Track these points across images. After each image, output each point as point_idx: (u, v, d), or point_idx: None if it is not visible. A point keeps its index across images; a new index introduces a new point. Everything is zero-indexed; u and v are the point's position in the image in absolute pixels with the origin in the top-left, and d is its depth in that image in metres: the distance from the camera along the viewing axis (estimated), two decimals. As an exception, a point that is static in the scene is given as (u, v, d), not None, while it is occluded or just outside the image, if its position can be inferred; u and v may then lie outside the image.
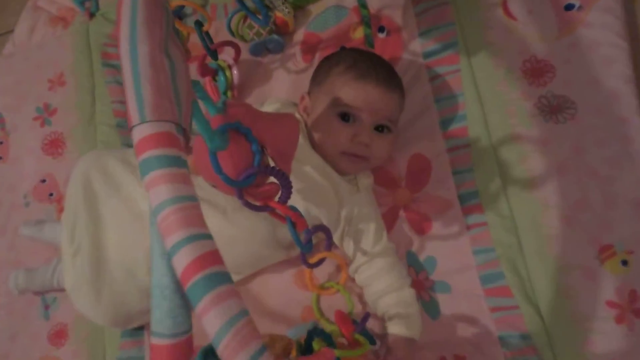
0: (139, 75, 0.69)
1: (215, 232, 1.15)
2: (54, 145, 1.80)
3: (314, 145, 1.31)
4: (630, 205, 1.23)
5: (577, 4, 1.40)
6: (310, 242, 1.01)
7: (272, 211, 0.91)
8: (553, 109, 1.34)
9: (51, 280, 1.50)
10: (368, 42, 1.49)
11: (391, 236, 1.34)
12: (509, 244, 1.28)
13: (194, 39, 1.55)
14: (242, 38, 1.65)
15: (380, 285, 1.25)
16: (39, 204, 1.73)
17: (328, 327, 1.20)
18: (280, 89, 1.63)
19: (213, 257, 0.62)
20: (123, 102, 1.67)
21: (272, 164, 0.90)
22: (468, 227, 1.34)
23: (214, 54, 1.56)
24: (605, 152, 1.28)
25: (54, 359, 1.52)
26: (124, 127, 1.71)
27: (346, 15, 1.64)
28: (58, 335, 1.54)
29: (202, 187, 1.23)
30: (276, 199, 0.90)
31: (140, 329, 1.43)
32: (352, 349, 1.06)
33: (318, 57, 1.61)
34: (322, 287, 1.31)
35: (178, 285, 0.67)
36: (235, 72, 1.59)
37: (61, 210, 1.63)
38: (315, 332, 1.02)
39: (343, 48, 1.52)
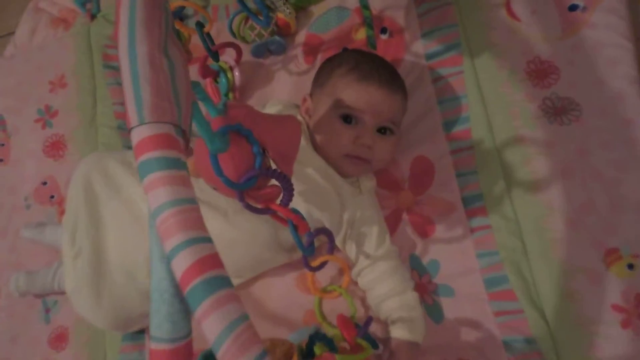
0: (138, 76, 0.68)
1: (216, 234, 1.14)
2: (55, 147, 1.80)
3: (316, 148, 1.30)
4: (636, 208, 1.22)
5: (581, 5, 1.39)
6: (312, 245, 0.99)
7: (274, 214, 0.91)
8: (557, 111, 1.33)
9: (52, 283, 1.50)
10: (370, 43, 1.48)
11: (394, 239, 1.34)
12: (513, 247, 1.27)
13: (196, 41, 1.54)
14: (244, 39, 1.65)
15: (383, 289, 1.24)
16: (40, 207, 1.72)
17: (330, 331, 1.20)
18: (282, 91, 1.62)
19: (213, 260, 0.61)
20: (124, 104, 1.67)
21: (273, 166, 0.89)
22: (472, 230, 1.33)
23: (215, 56, 1.55)
24: (610, 154, 1.26)
25: (54, 363, 1.52)
26: (125, 129, 1.70)
27: (348, 17, 1.63)
28: (58, 339, 1.53)
29: (203, 189, 1.23)
30: (278, 201, 0.89)
31: (141, 332, 1.43)
32: (354, 353, 1.06)
33: (320, 59, 1.60)
34: (325, 291, 1.31)
35: (177, 289, 0.66)
36: (236, 73, 1.59)
37: (62, 212, 1.62)
38: (316, 337, 1.01)
39: (345, 49, 1.51)
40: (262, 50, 1.65)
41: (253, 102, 1.63)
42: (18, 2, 2.21)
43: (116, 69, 1.82)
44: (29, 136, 1.86)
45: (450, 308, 1.29)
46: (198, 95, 0.78)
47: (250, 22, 1.60)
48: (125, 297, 1.26)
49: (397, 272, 1.26)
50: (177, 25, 1.51)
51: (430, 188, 1.39)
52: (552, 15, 1.42)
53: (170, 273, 0.64)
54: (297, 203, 1.12)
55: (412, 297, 1.24)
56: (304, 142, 1.27)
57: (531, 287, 1.24)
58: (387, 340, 1.24)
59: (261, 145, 0.83)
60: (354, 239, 1.28)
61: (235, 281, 1.34)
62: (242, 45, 1.62)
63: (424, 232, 1.36)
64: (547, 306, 1.21)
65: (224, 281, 0.60)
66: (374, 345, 1.14)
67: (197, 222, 0.63)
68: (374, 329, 1.29)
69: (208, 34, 1.52)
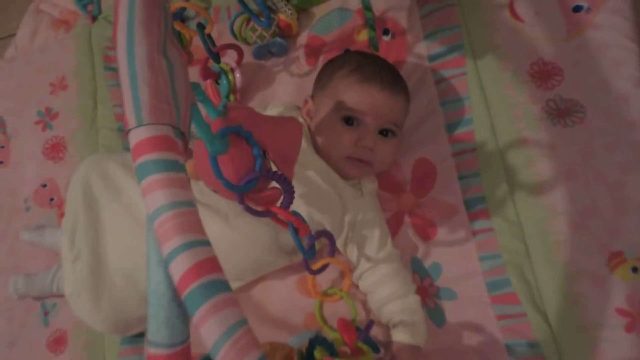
0: (136, 77, 0.67)
1: (216, 237, 1.13)
2: (55, 150, 1.79)
3: (318, 150, 1.29)
4: (641, 211, 1.21)
5: (586, 6, 1.38)
6: (313, 248, 0.99)
7: (274, 216, 0.90)
8: (561, 113, 1.32)
9: (51, 286, 1.49)
10: (372, 45, 1.47)
11: (396, 242, 1.32)
12: (516, 250, 1.26)
13: (197, 42, 1.54)
14: (245, 41, 1.65)
15: (385, 292, 1.23)
16: (39, 209, 1.72)
17: (331, 335, 1.19)
18: (284, 93, 1.61)
19: (211, 264, 0.60)
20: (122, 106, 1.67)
21: (274, 168, 0.88)
22: (474, 233, 1.31)
23: (216, 57, 1.54)
24: (614, 156, 1.25)
25: (53, 366, 1.51)
26: (125, 131, 1.69)
27: (350, 18, 1.62)
28: (57, 342, 1.52)
29: (203, 191, 1.24)
30: (278, 204, 0.88)
31: (140, 336, 1.41)
32: (355, 357, 1.05)
33: (322, 60, 1.59)
34: (325, 294, 1.31)
35: (175, 293, 0.65)
36: (237, 75, 1.58)
37: (62, 215, 1.62)
38: (317, 341, 1.01)
39: (347, 51, 1.50)
40: (263, 52, 1.65)
41: (254, 104, 1.62)
42: (19, 4, 2.22)
43: (117, 71, 1.81)
44: (29, 138, 1.86)
45: (452, 311, 1.28)
46: (198, 97, 0.77)
47: (251, 23, 1.60)
48: (124, 300, 1.25)
49: (398, 275, 1.25)
50: (178, 27, 1.51)
51: (432, 190, 1.38)
52: (556, 17, 1.41)
53: (168, 277, 0.64)
54: (297, 206, 1.12)
55: (413, 300, 1.23)
56: (305, 144, 1.26)
57: (534, 291, 1.22)
58: (388, 344, 1.23)
59: (261, 147, 0.83)
60: (355, 242, 1.28)
61: (236, 284, 1.34)
62: (244, 47, 1.62)
63: (425, 234, 1.35)
64: (550, 310, 1.20)
65: (222, 285, 0.59)
66: (375, 349, 1.13)
67: (195, 225, 0.62)
68: (375, 332, 1.27)
69: (209, 36, 1.51)
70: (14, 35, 2.12)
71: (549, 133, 1.32)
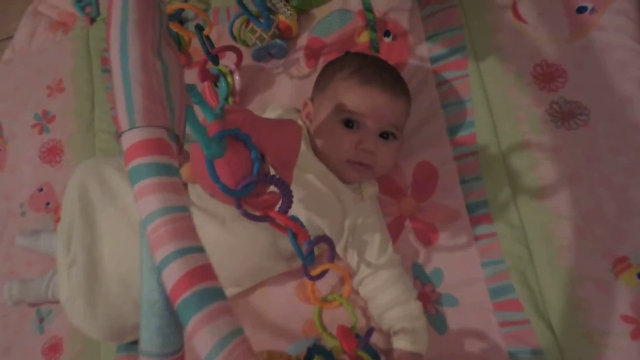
0: (129, 79, 0.66)
1: (213, 242, 1.12)
2: (51, 153, 1.79)
3: (317, 153, 1.28)
4: (647, 216, 1.19)
5: (590, 6, 1.37)
6: (312, 254, 0.97)
7: (273, 221, 0.89)
8: (565, 115, 1.31)
9: (46, 292, 1.48)
10: (373, 46, 1.46)
11: (396, 247, 1.31)
12: (519, 256, 1.24)
13: (196, 44, 1.53)
14: (245, 43, 1.64)
15: (386, 298, 1.22)
16: (35, 214, 1.71)
17: (331, 342, 1.18)
18: (283, 95, 1.60)
19: (205, 271, 0.58)
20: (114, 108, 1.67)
21: (272, 172, 0.86)
22: (476, 238, 1.30)
23: (215, 59, 1.53)
24: (619, 159, 1.24)
25: (47, 374, 1.50)
26: (123, 134, 1.69)
27: (351, 19, 1.61)
28: (52, 349, 1.51)
29: (200, 195, 1.22)
30: (276, 208, 0.87)
31: (136, 343, 1.39)
32: (355, 365, 1.04)
33: (322, 62, 1.58)
34: (325, 300, 1.29)
35: (168, 302, 0.63)
36: (236, 77, 1.57)
37: (58, 219, 1.60)
38: (315, 349, 1.00)
39: (347, 53, 1.49)
40: (263, 54, 1.64)
41: (253, 106, 1.61)
42: (17, 6, 2.22)
43: (114, 72, 1.81)
44: (25, 142, 1.85)
45: (454, 318, 1.26)
46: (194, 99, 0.76)
47: (251, 25, 1.59)
48: (120, 306, 1.23)
49: (399, 281, 1.23)
50: (177, 29, 1.50)
51: (434, 194, 1.36)
52: (559, 17, 1.40)
53: (161, 284, 0.62)
54: (297, 210, 1.10)
55: (415, 306, 1.21)
56: (304, 147, 1.25)
57: (537, 297, 1.21)
58: (389, 351, 1.21)
59: (260, 150, 0.82)
60: (356, 247, 1.26)
61: (234, 290, 1.32)
62: (243, 49, 1.61)
63: (427, 239, 1.33)
64: (554, 316, 1.19)
65: (216, 293, 0.58)
66: (375, 357, 1.13)
67: (189, 231, 0.60)
68: (376, 339, 1.26)
69: (208, 37, 1.50)
70: (11, 37, 2.12)
71: (553, 136, 1.30)
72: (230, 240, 1.19)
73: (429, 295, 1.29)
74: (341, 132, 1.23)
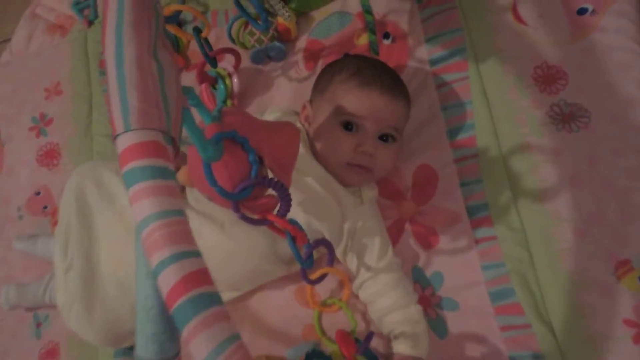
0: (125, 80, 0.65)
1: (212, 246, 1.11)
2: (49, 156, 1.78)
3: (316, 156, 1.27)
4: (649, 219, 1.18)
5: (591, 8, 1.37)
6: (311, 257, 0.98)
7: (271, 225, 0.88)
8: (566, 118, 1.30)
9: (43, 296, 1.48)
10: (373, 48, 1.45)
11: (396, 250, 1.30)
12: (520, 259, 1.24)
13: (194, 47, 1.53)
14: (243, 45, 1.63)
15: (386, 302, 1.21)
16: (32, 217, 1.71)
17: (330, 347, 1.18)
18: (282, 98, 1.59)
19: (201, 276, 0.57)
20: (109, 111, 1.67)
21: (271, 175, 0.86)
22: (477, 241, 1.29)
23: (213, 62, 1.52)
24: (621, 162, 1.23)
25: (44, 379, 1.49)
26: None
27: (350, 22, 1.60)
28: (49, 355, 1.50)
29: (198, 199, 1.22)
30: (275, 212, 0.86)
31: (134, 348, 1.39)
32: (354, 371, 1.03)
33: (321, 65, 1.57)
34: (324, 304, 1.28)
35: (164, 307, 0.62)
36: (235, 80, 1.56)
37: (55, 223, 1.60)
38: (313, 354, 0.99)
39: (346, 55, 1.48)
40: (261, 57, 1.63)
41: (252, 109, 1.60)
42: (15, 9, 2.22)
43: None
44: (23, 145, 1.85)
45: (455, 322, 1.25)
46: (191, 101, 0.75)
47: (249, 27, 1.58)
48: (117, 310, 1.23)
49: (400, 285, 1.22)
50: (175, 31, 1.49)
51: (434, 197, 1.35)
52: (560, 19, 1.39)
53: (157, 290, 0.61)
54: (295, 213, 1.10)
55: (415, 310, 1.21)
56: (303, 150, 1.25)
57: (539, 301, 1.20)
58: (389, 355, 1.21)
59: (258, 153, 0.81)
60: (355, 251, 1.25)
61: (232, 294, 1.32)
62: (241, 52, 1.61)
63: (427, 243, 1.33)
64: (555, 320, 1.18)
65: (212, 299, 0.57)
66: (375, 361, 1.11)
67: (185, 236, 0.59)
68: (376, 344, 1.25)
69: (206, 40, 1.50)
70: (9, 40, 2.12)
71: (554, 138, 1.30)
72: (229, 244, 1.18)
73: (429, 299, 1.28)
74: (340, 135, 1.22)
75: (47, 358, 1.50)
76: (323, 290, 1.32)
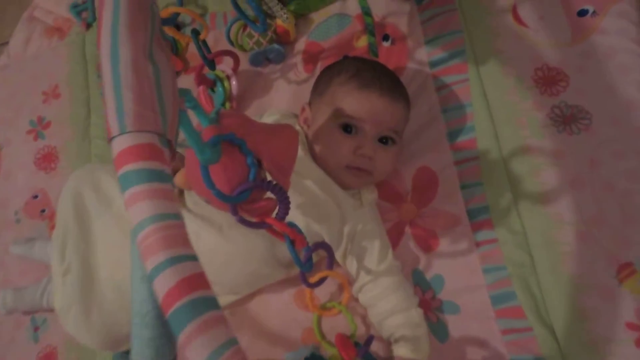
0: (120, 82, 0.64)
1: (210, 249, 1.11)
2: (47, 160, 1.78)
3: (315, 158, 1.26)
4: (651, 221, 1.18)
5: (591, 10, 1.36)
6: (310, 261, 0.96)
7: (270, 228, 0.87)
8: (567, 120, 1.30)
9: (40, 300, 1.47)
10: (372, 51, 1.44)
11: (396, 253, 1.29)
12: (521, 262, 1.23)
13: (193, 49, 1.52)
14: (242, 48, 1.62)
15: (386, 306, 1.20)
16: (30, 221, 1.70)
17: (330, 351, 1.17)
18: (281, 100, 1.59)
19: (197, 280, 0.56)
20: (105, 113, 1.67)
21: (269, 177, 0.85)
22: (477, 244, 1.28)
23: (212, 64, 1.51)
24: (622, 164, 1.23)
25: (42, 383, 1.48)
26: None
27: (349, 24, 1.60)
28: (47, 359, 1.49)
29: (196, 202, 1.21)
30: (273, 215, 0.86)
31: (131, 352, 1.39)
32: (354, 375, 1.02)
33: (320, 67, 1.56)
34: (324, 308, 1.27)
35: (160, 312, 0.61)
36: (234, 82, 1.56)
37: (53, 227, 1.58)
38: (313, 358, 0.98)
39: (346, 57, 1.47)
40: (260, 59, 1.62)
41: (251, 112, 1.60)
42: (13, 12, 2.21)
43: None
44: (20, 148, 1.84)
45: (456, 326, 1.24)
46: (188, 104, 0.74)
47: (248, 29, 1.58)
48: (114, 314, 1.22)
49: (400, 288, 1.22)
50: (173, 33, 1.49)
51: (434, 200, 1.35)
52: (560, 21, 1.39)
53: (153, 294, 0.60)
54: (295, 216, 1.10)
55: (416, 314, 1.20)
56: (302, 152, 1.24)
57: (540, 304, 1.19)
58: (389, 359, 1.20)
59: (256, 156, 0.80)
60: (355, 254, 1.24)
61: (231, 298, 1.31)
62: (240, 54, 1.60)
63: (427, 246, 1.32)
64: (557, 324, 1.17)
65: (209, 303, 0.56)
66: (375, 365, 1.11)
67: (181, 239, 0.58)
68: (376, 348, 1.24)
69: (204, 42, 1.49)
70: (6, 43, 2.11)
71: (554, 140, 1.29)
72: (228, 247, 1.17)
73: (429, 303, 1.27)
74: (339, 137, 1.21)
75: (45, 363, 1.49)
76: (322, 293, 1.31)
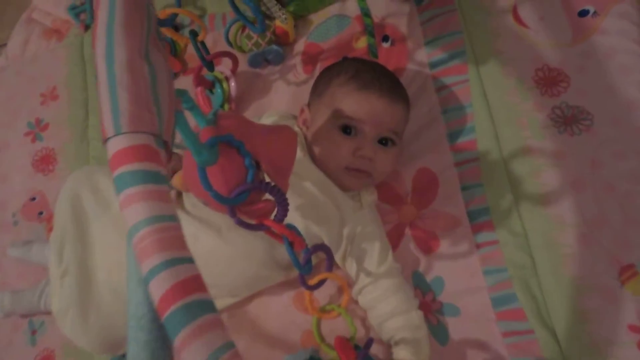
0: (115, 82, 0.63)
1: (209, 251, 1.10)
2: (45, 162, 1.77)
3: (314, 160, 1.26)
4: (652, 223, 1.17)
5: (592, 10, 1.36)
6: (309, 263, 0.96)
7: (268, 230, 0.87)
8: (567, 120, 1.29)
9: (38, 303, 1.46)
10: (371, 52, 1.44)
11: (396, 255, 1.28)
12: (522, 264, 1.22)
13: (192, 51, 1.51)
14: (241, 49, 1.62)
15: (386, 308, 1.19)
16: (27, 223, 1.69)
17: (329, 353, 1.16)
18: (280, 102, 1.58)
19: (194, 283, 0.56)
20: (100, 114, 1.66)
21: (268, 179, 0.84)
22: (478, 246, 1.27)
23: (210, 65, 1.51)
24: (623, 165, 1.22)
25: (40, 387, 1.48)
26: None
27: (349, 25, 1.59)
28: (45, 362, 1.49)
29: (195, 204, 1.20)
30: (272, 217, 0.85)
31: (130, 356, 1.38)
32: (353, 378, 1.02)
33: (319, 68, 1.56)
34: (323, 310, 1.26)
35: (156, 315, 0.60)
36: (232, 84, 1.55)
37: (51, 229, 1.58)
38: (311, 361, 0.98)
39: (345, 58, 1.47)
40: (259, 60, 1.61)
41: (250, 113, 1.59)
42: (11, 13, 2.21)
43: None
44: (18, 150, 1.84)
45: (456, 328, 1.24)
46: (185, 104, 0.74)
47: (247, 31, 1.57)
48: (112, 316, 1.22)
49: (400, 290, 1.21)
50: (172, 35, 1.48)
51: (434, 202, 1.34)
52: (561, 21, 1.38)
53: (149, 297, 0.59)
54: (294, 218, 1.09)
55: (416, 316, 1.19)
56: (301, 154, 1.23)
57: (541, 306, 1.18)
58: (389, 362, 1.19)
59: (254, 157, 0.80)
60: (355, 256, 1.24)
61: (230, 300, 1.30)
62: (239, 55, 1.60)
63: (427, 247, 1.31)
64: (558, 326, 1.16)
65: (205, 306, 0.56)
66: (375, 368, 1.10)
67: (177, 242, 0.58)
68: (376, 350, 1.23)
69: (203, 44, 1.48)
70: (4, 45, 2.11)
71: (555, 141, 1.28)
72: (227, 249, 1.17)
73: (430, 305, 1.26)
74: (339, 139, 1.21)
75: (43, 366, 1.49)
76: (322, 296, 1.30)
